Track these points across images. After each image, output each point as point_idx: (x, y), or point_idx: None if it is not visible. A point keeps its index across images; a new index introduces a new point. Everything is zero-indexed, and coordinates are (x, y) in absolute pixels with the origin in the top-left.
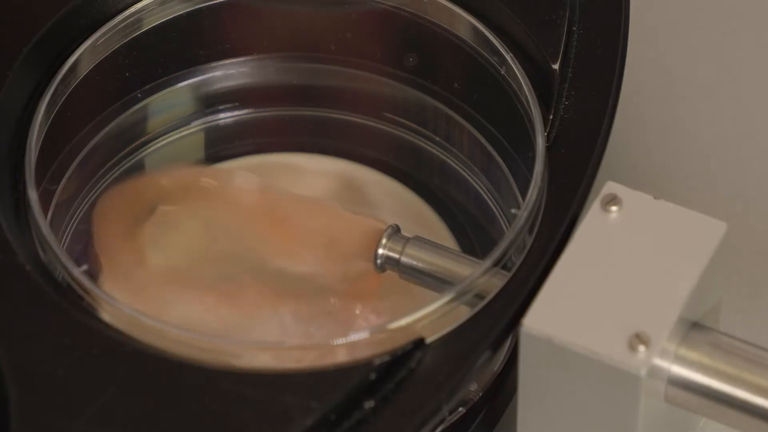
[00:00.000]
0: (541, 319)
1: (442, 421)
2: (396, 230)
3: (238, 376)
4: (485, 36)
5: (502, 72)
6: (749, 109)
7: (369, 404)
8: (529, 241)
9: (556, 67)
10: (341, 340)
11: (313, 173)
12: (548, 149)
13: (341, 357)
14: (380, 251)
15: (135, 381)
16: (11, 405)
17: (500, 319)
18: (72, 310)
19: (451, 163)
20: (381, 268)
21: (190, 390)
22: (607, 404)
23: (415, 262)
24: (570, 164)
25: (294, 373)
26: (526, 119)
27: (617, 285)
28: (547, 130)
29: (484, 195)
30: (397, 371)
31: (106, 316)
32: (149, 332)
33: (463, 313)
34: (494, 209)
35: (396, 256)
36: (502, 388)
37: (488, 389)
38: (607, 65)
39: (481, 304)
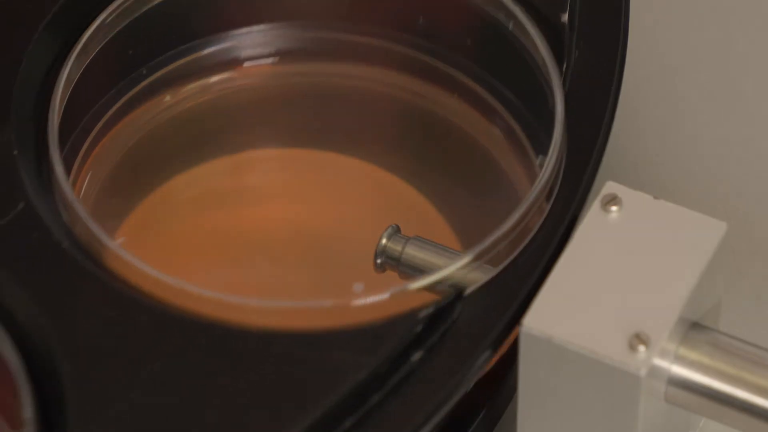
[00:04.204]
0: (541, 318)
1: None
2: (396, 230)
3: (288, 337)
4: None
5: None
6: (749, 109)
7: (417, 356)
8: (548, 206)
9: (564, 18)
10: (385, 295)
11: (314, 169)
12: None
13: (385, 312)
14: (380, 251)
15: (184, 349)
16: (64, 378)
17: (500, 319)
18: (112, 282)
19: (453, 160)
20: (381, 268)
21: (240, 354)
22: (607, 404)
23: (415, 263)
24: (570, 164)
25: (343, 330)
26: (540, 79)
27: (617, 285)
28: (563, 79)
29: (487, 193)
30: (440, 323)
31: (147, 286)
32: (192, 299)
33: (490, 270)
34: (495, 207)
35: (396, 255)
36: (502, 388)
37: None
38: (607, 65)
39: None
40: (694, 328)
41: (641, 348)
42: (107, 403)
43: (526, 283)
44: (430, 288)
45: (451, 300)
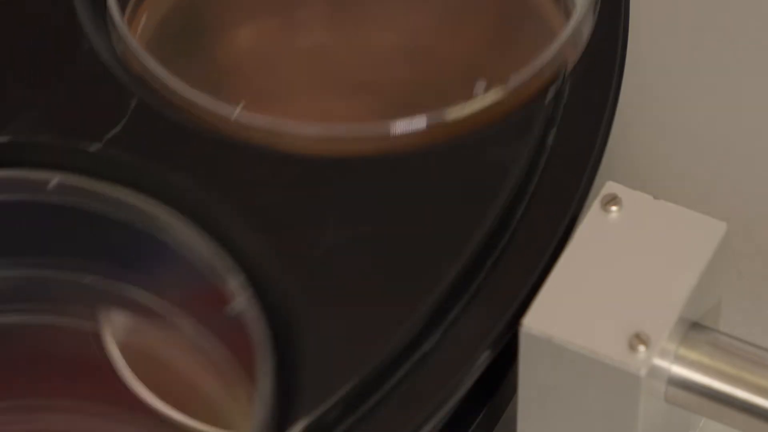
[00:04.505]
0: (541, 318)
1: None
2: None
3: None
4: None
5: None
6: (749, 109)
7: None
8: (529, 240)
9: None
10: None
11: None
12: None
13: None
14: None
15: (350, 185)
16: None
17: (500, 319)
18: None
19: None
20: None
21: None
22: (607, 404)
23: None
24: (570, 164)
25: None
26: None
27: (617, 285)
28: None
29: None
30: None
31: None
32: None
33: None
34: None
35: None
36: (502, 388)
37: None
38: (607, 65)
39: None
40: (694, 328)
41: (641, 348)
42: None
43: (526, 283)
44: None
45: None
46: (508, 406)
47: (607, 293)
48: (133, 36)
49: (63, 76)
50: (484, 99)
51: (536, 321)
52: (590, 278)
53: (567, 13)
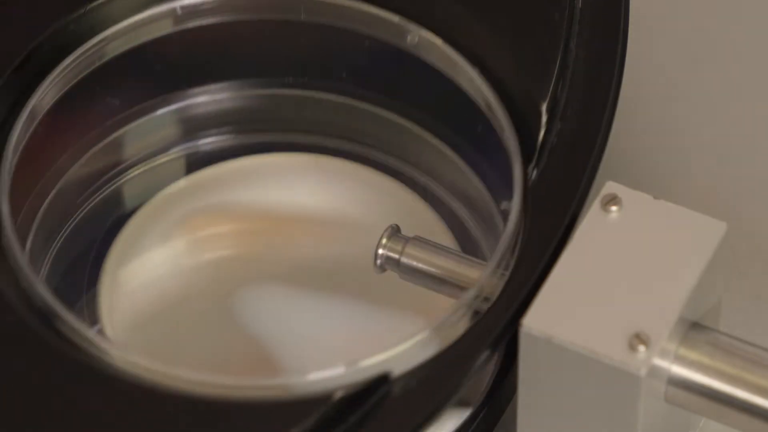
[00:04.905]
0: (541, 319)
1: None
2: (396, 230)
3: (209, 404)
4: (469, 75)
5: (482, 107)
6: (749, 109)
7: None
8: (528, 241)
9: (543, 109)
10: (301, 378)
11: (312, 174)
12: (548, 149)
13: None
14: (380, 251)
15: (104, 406)
16: None
17: (500, 319)
18: (54, 339)
19: (450, 160)
20: (381, 269)
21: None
22: (607, 404)
23: (414, 263)
24: (570, 164)
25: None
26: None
27: (617, 285)
28: (532, 165)
29: (484, 193)
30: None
31: (85, 344)
32: (120, 359)
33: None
34: (494, 207)
35: (396, 256)
36: (502, 388)
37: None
38: (607, 65)
39: (486, 305)
40: (694, 328)
41: (641, 348)
42: None
43: (526, 283)
44: None
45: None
46: (508, 406)
47: (607, 293)
48: None
49: None
50: None
51: (536, 321)
52: (590, 278)
53: None
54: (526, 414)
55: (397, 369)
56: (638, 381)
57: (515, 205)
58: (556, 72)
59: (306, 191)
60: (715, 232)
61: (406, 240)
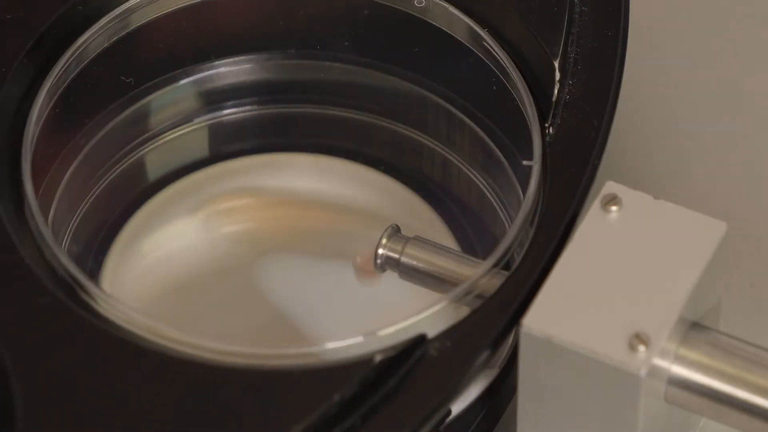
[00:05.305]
0: (541, 318)
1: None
2: (396, 230)
3: (244, 373)
4: (481, 37)
5: (499, 73)
6: (749, 109)
7: (367, 405)
8: (529, 240)
9: (556, 63)
10: (339, 343)
11: (314, 172)
12: (548, 147)
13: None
14: (380, 251)
15: (141, 380)
16: (17, 406)
17: (500, 318)
18: (77, 310)
19: (452, 161)
20: (381, 269)
21: (207, 388)
22: (607, 404)
23: (415, 263)
24: (570, 164)
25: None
26: (525, 116)
27: (617, 285)
28: (548, 124)
29: (486, 194)
30: (399, 367)
31: (111, 315)
32: (149, 330)
33: (464, 310)
34: (496, 208)
35: (396, 256)
36: (502, 388)
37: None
38: (607, 65)
39: (481, 303)
40: (694, 328)
41: (641, 348)
42: None
43: (526, 283)
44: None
45: (411, 345)
46: (508, 406)
47: (607, 293)
48: None
49: None
50: None
51: (536, 321)
52: (590, 278)
53: None
54: (526, 414)
55: (431, 331)
56: (638, 381)
57: (536, 161)
58: (565, 28)
59: (305, 190)
60: (715, 232)
61: (406, 240)
